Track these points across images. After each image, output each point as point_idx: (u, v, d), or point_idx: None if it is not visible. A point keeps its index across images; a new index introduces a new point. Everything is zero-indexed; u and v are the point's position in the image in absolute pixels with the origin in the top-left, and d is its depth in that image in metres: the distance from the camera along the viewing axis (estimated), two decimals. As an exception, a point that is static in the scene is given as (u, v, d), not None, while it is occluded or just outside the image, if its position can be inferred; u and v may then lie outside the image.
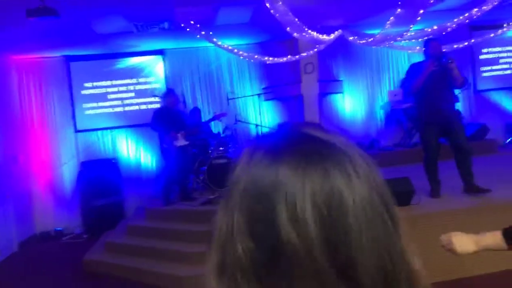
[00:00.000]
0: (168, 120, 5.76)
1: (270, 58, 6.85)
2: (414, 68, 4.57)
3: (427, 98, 4.43)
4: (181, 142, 5.78)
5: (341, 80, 8.25)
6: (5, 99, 6.95)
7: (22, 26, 5.38)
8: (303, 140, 0.51)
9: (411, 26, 5.58)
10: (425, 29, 6.23)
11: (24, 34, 5.93)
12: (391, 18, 5.34)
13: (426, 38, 6.59)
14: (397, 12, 5.18)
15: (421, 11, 4.99)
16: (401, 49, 7.73)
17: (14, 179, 6.73)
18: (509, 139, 8.39)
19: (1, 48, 6.58)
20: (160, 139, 5.92)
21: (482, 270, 3.94)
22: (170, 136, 5.72)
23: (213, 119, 6.66)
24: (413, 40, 6.93)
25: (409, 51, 7.84)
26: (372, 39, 6.38)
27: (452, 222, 4.02)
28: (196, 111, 7.28)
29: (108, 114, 7.71)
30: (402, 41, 6.83)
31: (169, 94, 6.07)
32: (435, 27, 6.07)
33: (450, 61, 4.27)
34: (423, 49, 4.64)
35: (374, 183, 0.50)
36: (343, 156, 0.49)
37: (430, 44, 4.50)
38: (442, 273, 3.92)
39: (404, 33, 5.84)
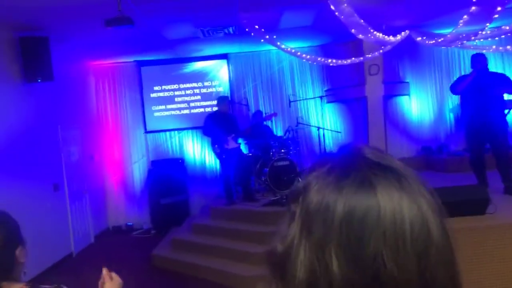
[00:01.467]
0: (218, 125, 5.99)
1: (334, 61, 6.77)
2: (459, 79, 5.22)
3: (472, 105, 4.88)
4: (231, 145, 5.97)
5: (408, 82, 7.95)
6: (84, 102, 7.53)
7: (99, 34, 5.81)
8: (381, 166, 0.51)
9: (487, 24, 5.25)
10: (503, 27, 5.82)
11: (101, 42, 6.39)
12: (465, 16, 5.06)
13: (503, 36, 6.18)
14: (471, 10, 4.90)
15: (499, 8, 4.68)
16: (474, 49, 7.28)
17: (91, 176, 7.27)
18: None
19: (80, 55, 7.14)
20: (212, 143, 6.14)
21: None
22: (220, 140, 5.93)
23: (265, 119, 6.86)
24: (489, 39, 6.52)
25: (484, 51, 7.35)
26: (442, 39, 6.08)
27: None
28: (258, 113, 7.40)
29: (175, 116, 8.07)
30: (476, 41, 6.44)
31: (222, 100, 6.32)
32: (514, 25, 5.66)
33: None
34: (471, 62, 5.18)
35: (437, 207, 0.51)
36: (417, 186, 0.51)
37: (474, 58, 5.08)
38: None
39: (479, 32, 5.51)
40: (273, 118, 7.46)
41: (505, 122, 4.96)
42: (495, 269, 3.70)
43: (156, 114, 8.08)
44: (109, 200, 7.94)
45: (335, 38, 7.54)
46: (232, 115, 6.59)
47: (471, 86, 4.81)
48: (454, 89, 5.12)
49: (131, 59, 7.91)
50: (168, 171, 7.60)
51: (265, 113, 7.48)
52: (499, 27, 5.97)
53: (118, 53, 7.42)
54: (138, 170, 8.04)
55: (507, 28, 5.69)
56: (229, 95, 7.89)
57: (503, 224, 3.83)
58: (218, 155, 6.09)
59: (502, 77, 5.00)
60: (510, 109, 6.71)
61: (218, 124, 6.03)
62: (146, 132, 8.06)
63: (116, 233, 7.70)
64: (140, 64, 8.02)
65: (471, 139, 4.97)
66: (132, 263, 5.78)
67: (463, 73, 8.02)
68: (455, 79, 5.47)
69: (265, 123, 7.17)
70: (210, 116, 6.34)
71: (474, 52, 7.66)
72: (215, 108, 7.94)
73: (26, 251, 1.44)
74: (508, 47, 6.63)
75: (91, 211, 7.05)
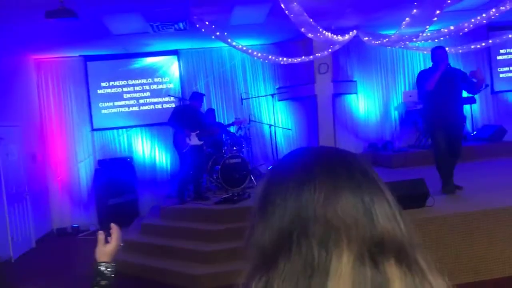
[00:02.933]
0: (186, 118, 5.85)
1: (285, 59, 6.86)
2: (423, 75, 4.82)
3: (439, 100, 4.65)
4: (194, 141, 5.84)
5: (355, 81, 8.21)
6: (25, 98, 7.10)
7: (41, 26, 5.50)
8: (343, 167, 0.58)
9: (427, 26, 5.53)
10: (442, 29, 6.16)
11: (43, 34, 6.06)
12: (407, 18, 5.30)
13: (442, 38, 6.54)
14: (413, 13, 5.14)
15: (438, 12, 4.94)
16: (416, 50, 7.66)
17: (32, 176, 6.88)
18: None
19: (21, 48, 6.73)
20: (174, 136, 5.99)
21: (504, 273, 3.89)
22: (184, 133, 5.80)
23: (233, 124, 6.81)
24: (429, 41, 6.87)
25: (425, 52, 7.76)
26: (387, 39, 6.34)
27: (464, 224, 3.98)
28: (211, 111, 7.34)
29: (124, 113, 7.82)
30: (418, 42, 6.77)
31: (197, 96, 6.17)
32: (451, 28, 6.01)
33: (485, 86, 4.75)
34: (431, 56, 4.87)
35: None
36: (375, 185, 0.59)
37: (437, 52, 4.74)
38: (458, 275, 3.89)
39: (420, 34, 5.79)
40: (214, 112, 7.41)
41: (465, 120, 5.03)
42: (438, 256, 3.90)
43: (104, 111, 7.79)
44: (53, 202, 7.56)
45: (287, 36, 7.63)
46: (201, 113, 6.46)
47: (438, 80, 4.59)
48: (424, 85, 4.70)
49: (76, 53, 7.56)
50: (116, 170, 7.35)
51: (236, 118, 7.30)
52: (438, 30, 6.31)
53: (62, 47, 7.07)
54: (84, 170, 7.71)
55: (445, 30, 6.02)
56: (180, 92, 7.76)
57: (441, 215, 4.05)
58: (178, 147, 5.95)
59: (462, 73, 4.91)
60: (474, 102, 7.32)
61: (185, 118, 5.88)
62: (93, 130, 7.74)
63: (60, 236, 7.34)
64: (87, 59, 7.69)
65: (439, 134, 4.72)
66: (78, 266, 5.54)
67: (407, 73, 8.42)
68: (416, 75, 5.11)
69: (226, 124, 7.11)
70: (179, 108, 6.20)
71: (418, 53, 8.09)
72: (165, 105, 7.82)
73: None
74: (447, 48, 7.01)
75: (33, 214, 6.67)
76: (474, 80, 4.68)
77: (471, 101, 7.81)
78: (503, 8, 5.21)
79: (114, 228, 1.41)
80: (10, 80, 6.50)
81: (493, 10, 5.36)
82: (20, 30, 5.78)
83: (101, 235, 1.39)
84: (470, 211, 4.04)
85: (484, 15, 5.50)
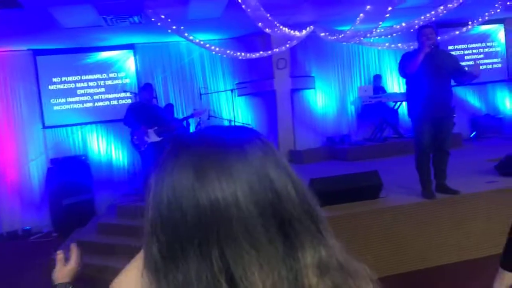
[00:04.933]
0: (142, 115, 5.67)
1: (243, 54, 6.85)
2: (407, 57, 4.25)
3: (421, 91, 4.12)
4: (153, 138, 5.71)
5: (313, 76, 8.33)
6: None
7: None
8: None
9: (380, 23, 5.69)
10: (394, 26, 6.36)
11: (-13, 27, 5.71)
12: (361, 14, 5.43)
13: (395, 34, 6.74)
14: (367, 9, 5.27)
15: (390, 8, 5.09)
16: (370, 46, 7.88)
17: (-22, 177, 6.50)
18: (474, 133, 8.70)
19: (-38, 41, 6.32)
20: (131, 135, 5.83)
21: (451, 259, 4.09)
22: (141, 131, 5.64)
23: (192, 115, 6.65)
24: (382, 37, 7.07)
25: (379, 48, 8.00)
26: (342, 35, 6.47)
27: (418, 215, 4.15)
28: (170, 107, 7.22)
29: (78, 110, 7.53)
30: (372, 38, 6.96)
31: (145, 88, 5.98)
32: (403, 24, 6.21)
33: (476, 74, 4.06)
34: (417, 35, 4.32)
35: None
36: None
37: (424, 31, 4.17)
38: (410, 262, 4.05)
39: (374, 30, 5.95)
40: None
41: (454, 111, 4.30)
42: (392, 244, 4.05)
43: (56, 107, 7.47)
44: (1, 203, 7.18)
45: (246, 31, 7.61)
46: (157, 106, 6.24)
47: (424, 64, 4.01)
48: (406, 68, 4.14)
49: (25, 47, 7.19)
50: (70, 169, 7.08)
51: (194, 109, 7.16)
52: (391, 26, 6.51)
53: (9, 40, 6.68)
54: (36, 169, 7.36)
55: (398, 27, 6.22)
56: (136, 87, 7.56)
57: (394, 206, 4.20)
58: (137, 147, 5.78)
59: (454, 58, 4.35)
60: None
61: (139, 115, 5.67)
62: (45, 127, 7.41)
63: (10, 239, 7.00)
64: (36, 53, 7.32)
65: (423, 126, 4.15)
66: (28, 270, 5.31)
67: (362, 68, 8.64)
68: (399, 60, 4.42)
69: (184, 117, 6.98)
70: (133, 105, 5.97)
71: (373, 48, 8.32)
72: (121, 101, 7.61)
73: None
74: (399, 44, 7.27)
75: (-20, 216, 6.32)
76: (467, 69, 4.28)
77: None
78: (451, 5, 5.45)
79: (74, 249, 1.35)
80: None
81: (441, 7, 5.60)
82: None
83: (60, 254, 1.32)
84: (419, 201, 4.22)
85: (433, 12, 5.73)
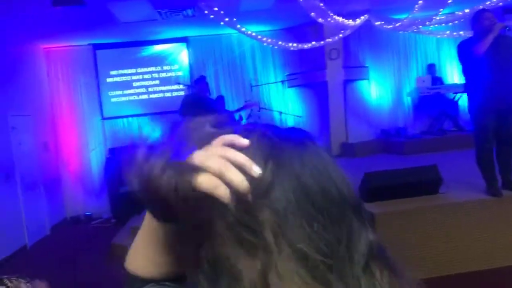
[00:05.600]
0: (196, 107, 5.78)
1: (294, 44, 6.76)
2: (466, 44, 3.91)
3: (484, 81, 3.80)
4: None
5: (367, 67, 8.07)
6: (35, 88, 7.14)
7: (49, 15, 5.49)
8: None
9: (441, 9, 5.38)
10: (456, 12, 5.99)
11: (51, 23, 6.05)
12: (420, 1, 5.16)
13: (456, 22, 6.36)
14: (426, -5, 5.01)
15: (452, -7, 4.80)
16: (429, 34, 7.48)
17: (45, 164, 6.95)
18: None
19: (30, 38, 6.74)
20: None
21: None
22: None
23: (244, 108, 6.67)
24: (443, 25, 6.69)
25: (438, 36, 7.58)
26: (399, 23, 6.20)
27: (482, 212, 3.91)
28: (221, 99, 7.29)
29: (133, 102, 7.82)
30: (431, 26, 6.61)
31: (200, 81, 6.09)
32: (466, 11, 5.84)
33: None
34: (472, 22, 4.00)
35: None
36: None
37: (486, 15, 3.82)
38: (471, 262, 3.84)
39: (434, 17, 5.64)
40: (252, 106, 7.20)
41: None
42: (451, 243, 3.85)
43: (113, 99, 7.80)
44: (66, 190, 7.65)
45: (297, 22, 7.51)
46: (210, 98, 6.37)
47: (490, 47, 3.68)
48: (474, 50, 3.76)
49: (85, 42, 7.56)
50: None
51: (245, 101, 7.22)
52: (452, 13, 6.14)
53: (71, 36, 7.06)
54: (95, 158, 7.76)
55: (460, 13, 5.85)
56: (189, 79, 7.71)
57: (455, 202, 3.98)
58: None
59: None
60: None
61: (193, 106, 5.80)
62: (103, 118, 7.77)
63: (74, 224, 7.45)
64: (95, 47, 7.68)
65: (486, 117, 3.84)
66: (91, 253, 5.61)
67: (420, 58, 8.25)
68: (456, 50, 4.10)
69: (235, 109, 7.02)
70: (186, 97, 6.11)
71: (431, 37, 7.90)
72: (174, 93, 7.80)
73: None
74: (461, 32, 6.84)
75: (47, 201, 6.76)
76: None
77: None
78: (521, -12, 5.04)
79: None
80: (20, 69, 6.53)
81: (510, -9, 5.19)
82: (28, 19, 5.77)
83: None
84: (483, 198, 3.97)
85: (500, -4, 5.33)
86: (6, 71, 5.85)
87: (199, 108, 5.77)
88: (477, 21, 3.88)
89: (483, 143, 3.92)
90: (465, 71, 4.10)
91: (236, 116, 7.20)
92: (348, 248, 0.43)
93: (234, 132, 0.47)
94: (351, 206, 0.45)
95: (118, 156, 7.33)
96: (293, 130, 0.50)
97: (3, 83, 5.86)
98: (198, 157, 0.43)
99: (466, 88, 4.19)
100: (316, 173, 0.44)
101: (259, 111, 7.31)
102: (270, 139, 0.46)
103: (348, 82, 7.88)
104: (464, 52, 3.92)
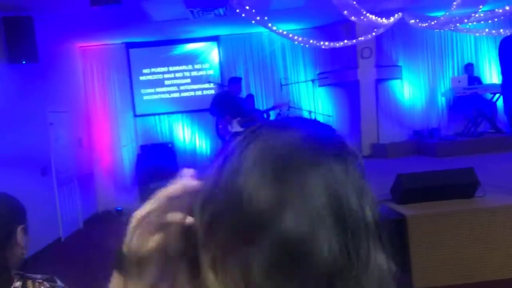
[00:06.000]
0: (227, 105, 5.87)
1: (326, 43, 6.69)
2: (509, 41, 3.75)
3: None
4: (235, 128, 5.84)
5: (400, 66, 7.89)
6: (72, 85, 7.37)
7: (86, 14, 5.65)
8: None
9: (481, 6, 5.19)
10: (496, 10, 5.76)
11: (88, 22, 6.22)
12: (458, -2, 4.99)
13: (496, 19, 6.12)
14: (465, -8, 4.84)
15: (493, -10, 4.61)
16: (467, 32, 7.23)
17: (79, 160, 7.16)
18: None
19: (67, 36, 6.95)
20: (216, 124, 6.04)
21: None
22: (225, 120, 5.82)
23: (274, 108, 6.69)
24: (482, 22, 6.45)
25: (477, 34, 7.32)
26: (435, 21, 6.02)
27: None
28: (250, 97, 7.31)
29: (165, 100, 7.95)
30: (469, 24, 6.38)
31: (235, 81, 6.19)
32: (507, 8, 5.60)
33: None
34: None
35: None
36: None
37: None
38: (505, 270, 3.68)
39: (472, 15, 5.45)
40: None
41: None
42: (486, 248, 3.71)
43: (146, 97, 7.95)
44: (98, 185, 7.86)
45: (328, 20, 7.42)
46: (241, 98, 6.44)
47: None
48: None
49: (119, 40, 7.74)
50: (157, 155, 7.52)
51: (275, 102, 7.23)
52: (492, 10, 5.91)
53: (106, 35, 7.24)
54: (127, 155, 7.94)
55: (500, 11, 5.63)
56: (219, 78, 7.76)
57: (492, 206, 3.82)
58: (221, 136, 6.03)
59: None
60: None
61: (226, 105, 5.92)
62: (135, 116, 7.93)
63: (105, 218, 7.64)
64: (129, 46, 7.85)
65: None
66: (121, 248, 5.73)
67: (456, 57, 7.99)
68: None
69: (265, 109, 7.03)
70: (219, 95, 6.24)
71: (469, 35, 7.64)
72: (205, 92, 7.87)
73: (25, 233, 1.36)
74: (501, 30, 6.58)
75: (80, 196, 6.97)
76: None
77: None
78: None
79: None
80: (58, 67, 6.74)
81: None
82: (67, 18, 5.96)
83: None
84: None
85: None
86: (46, 68, 6.06)
87: (229, 107, 5.83)
88: None
89: None
90: (504, 70, 3.91)
91: (264, 115, 7.21)
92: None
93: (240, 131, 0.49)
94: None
95: (149, 153, 7.50)
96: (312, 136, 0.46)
97: (43, 80, 6.08)
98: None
99: (503, 88, 4.01)
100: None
101: (288, 110, 7.28)
102: (272, 150, 0.44)
103: (380, 81, 7.73)
104: (506, 49, 3.74)
